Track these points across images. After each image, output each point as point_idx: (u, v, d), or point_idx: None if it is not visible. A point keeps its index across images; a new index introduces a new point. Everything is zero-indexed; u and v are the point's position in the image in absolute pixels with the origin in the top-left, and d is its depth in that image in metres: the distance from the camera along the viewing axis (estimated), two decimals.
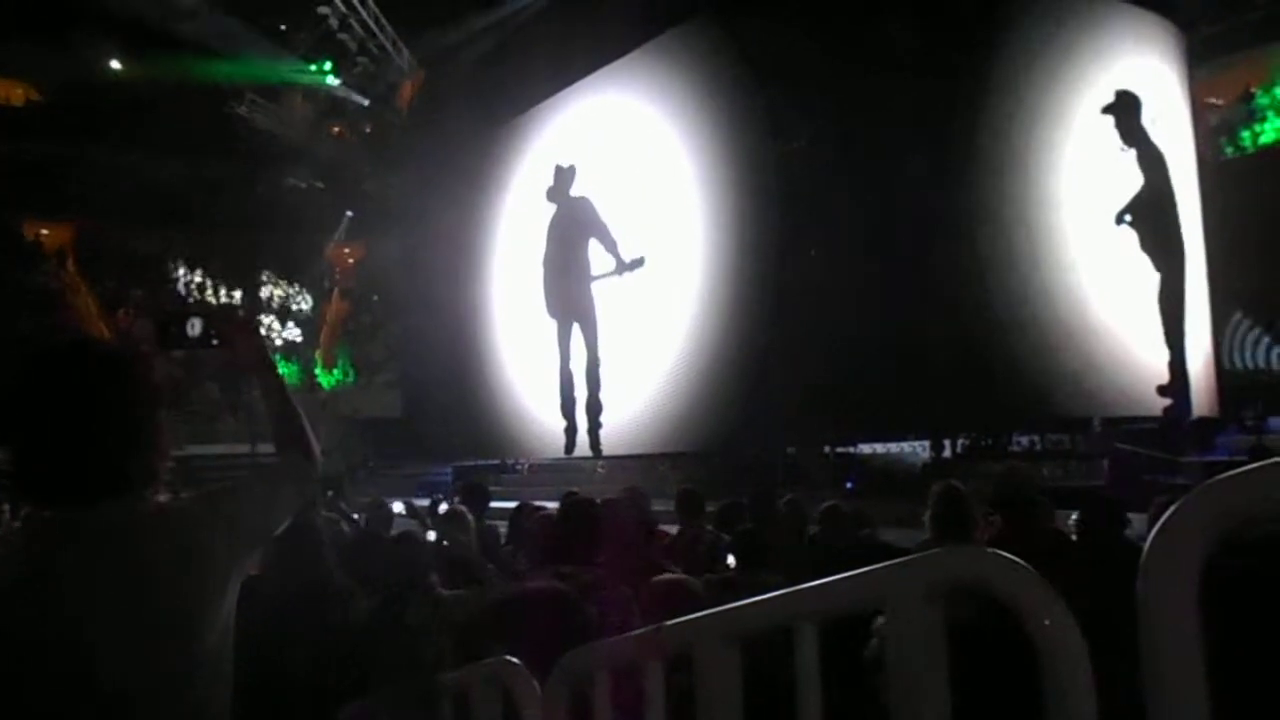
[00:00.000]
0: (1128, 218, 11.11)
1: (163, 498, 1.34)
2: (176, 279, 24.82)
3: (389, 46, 20.05)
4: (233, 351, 1.65)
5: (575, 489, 5.26)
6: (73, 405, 1.28)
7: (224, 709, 1.34)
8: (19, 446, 1.27)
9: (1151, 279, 11.54)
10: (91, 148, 20.89)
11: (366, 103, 21.46)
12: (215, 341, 1.62)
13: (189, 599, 1.27)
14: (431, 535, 4.80)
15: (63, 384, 1.29)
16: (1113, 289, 11.32)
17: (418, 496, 10.62)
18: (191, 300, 23.71)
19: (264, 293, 25.80)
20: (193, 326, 1.61)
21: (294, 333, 25.37)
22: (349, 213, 24.23)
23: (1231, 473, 0.82)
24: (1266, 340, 11.66)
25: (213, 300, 24.22)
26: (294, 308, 25.91)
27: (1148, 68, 12.39)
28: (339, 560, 3.13)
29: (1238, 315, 11.45)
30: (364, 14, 19.19)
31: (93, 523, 1.25)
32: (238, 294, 25.28)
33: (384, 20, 19.49)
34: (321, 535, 3.05)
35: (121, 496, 1.28)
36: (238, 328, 1.67)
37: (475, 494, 5.50)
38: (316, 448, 1.61)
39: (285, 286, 26.07)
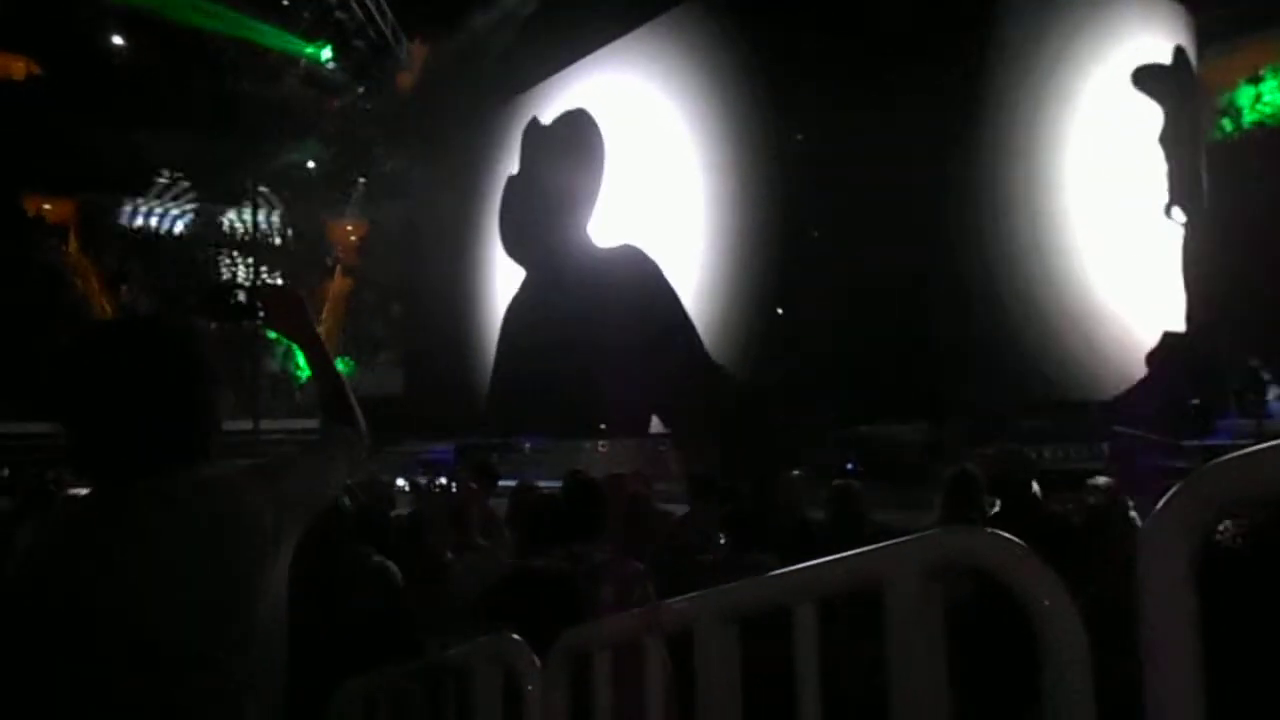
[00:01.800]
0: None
1: (212, 470, 1.34)
2: (178, 253, 24.78)
3: (388, 34, 19.96)
4: (278, 323, 1.64)
5: (579, 469, 5.29)
6: (129, 380, 1.28)
7: (276, 679, 1.35)
8: (74, 420, 1.28)
9: (1154, 266, 11.51)
10: (93, 122, 20.79)
11: (362, 90, 21.40)
12: (261, 313, 1.61)
13: (238, 569, 1.28)
14: (442, 480, 4.93)
15: (118, 358, 1.29)
16: (1116, 273, 11.28)
17: (419, 474, 10.64)
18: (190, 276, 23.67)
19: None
20: (238, 298, 1.61)
21: None
22: (361, 179, 24.14)
23: (1230, 455, 0.83)
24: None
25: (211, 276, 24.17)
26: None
27: (1156, 48, 12.29)
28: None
29: (1256, 361, 11.27)
30: None
31: (144, 494, 1.26)
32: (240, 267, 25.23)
33: (385, 6, 19.39)
34: (350, 512, 3.06)
35: (173, 469, 1.29)
36: (284, 299, 1.66)
37: (483, 472, 5.63)
38: (362, 419, 1.61)
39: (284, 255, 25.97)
